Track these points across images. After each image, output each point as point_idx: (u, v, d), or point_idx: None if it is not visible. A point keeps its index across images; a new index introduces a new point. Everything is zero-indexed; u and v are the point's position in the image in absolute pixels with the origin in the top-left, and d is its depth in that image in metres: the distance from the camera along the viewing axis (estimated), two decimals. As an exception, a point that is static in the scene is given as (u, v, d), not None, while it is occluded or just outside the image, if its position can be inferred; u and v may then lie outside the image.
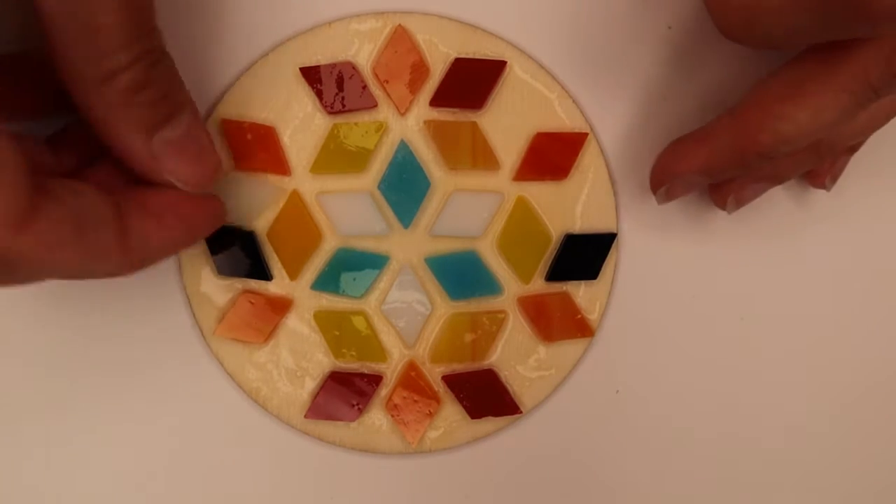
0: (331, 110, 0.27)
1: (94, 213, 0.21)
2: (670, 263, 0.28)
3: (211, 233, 0.25)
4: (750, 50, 0.27)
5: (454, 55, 0.27)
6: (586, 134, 0.27)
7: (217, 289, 0.27)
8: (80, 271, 0.21)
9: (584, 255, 0.28)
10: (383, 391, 0.28)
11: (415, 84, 0.27)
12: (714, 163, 0.24)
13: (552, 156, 0.27)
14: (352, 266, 0.27)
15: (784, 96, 0.22)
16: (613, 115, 0.28)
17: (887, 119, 0.25)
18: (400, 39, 0.27)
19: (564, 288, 0.28)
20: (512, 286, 0.28)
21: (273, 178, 0.27)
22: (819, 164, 0.26)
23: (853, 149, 0.27)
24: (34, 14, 0.20)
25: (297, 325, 0.27)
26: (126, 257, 0.22)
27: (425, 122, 0.27)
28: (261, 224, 0.27)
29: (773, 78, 0.23)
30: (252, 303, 0.27)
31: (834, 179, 0.28)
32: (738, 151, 0.23)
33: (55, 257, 0.20)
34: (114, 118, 0.21)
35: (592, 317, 0.28)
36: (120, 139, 0.22)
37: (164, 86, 0.22)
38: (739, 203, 0.27)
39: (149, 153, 0.22)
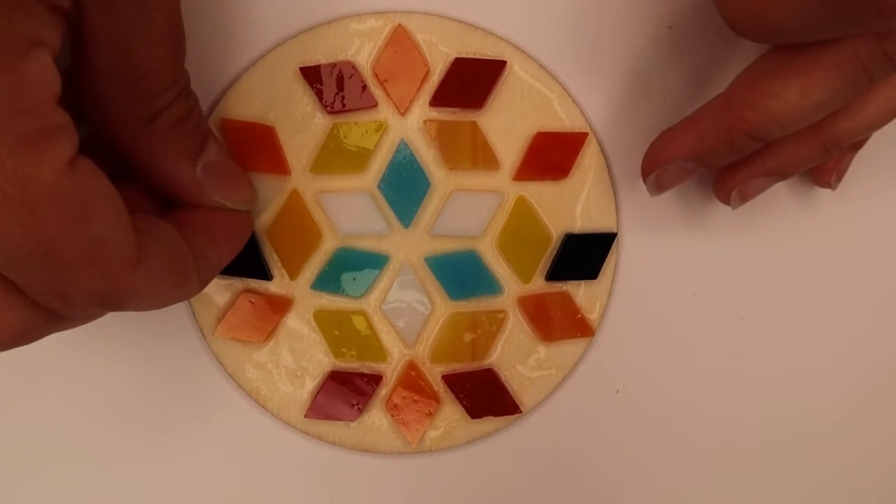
0: (331, 110, 0.27)
1: (176, 244, 0.22)
2: (670, 263, 0.28)
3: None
4: (751, 49, 0.27)
5: (454, 55, 0.27)
6: (586, 134, 0.27)
7: (217, 288, 0.27)
8: (170, 299, 0.22)
9: (584, 255, 0.28)
10: (383, 391, 0.28)
11: (415, 84, 0.27)
12: (703, 146, 0.24)
13: (552, 155, 0.27)
14: (352, 266, 0.27)
15: (772, 74, 0.22)
16: (613, 114, 0.28)
17: (894, 114, 0.24)
18: (400, 39, 0.27)
19: (564, 288, 0.28)
20: (512, 286, 0.28)
21: (273, 178, 0.27)
22: (825, 159, 0.25)
23: (858, 145, 0.27)
24: (74, 65, 0.20)
25: (297, 324, 0.27)
26: (200, 279, 0.23)
27: (425, 121, 0.27)
28: (261, 223, 0.27)
29: (764, 58, 0.23)
30: (252, 302, 0.27)
31: (839, 177, 0.27)
32: (725, 132, 0.23)
33: (156, 289, 0.21)
34: (161, 152, 0.22)
35: (592, 316, 0.28)
36: (168, 171, 0.23)
37: (197, 117, 0.23)
38: (744, 198, 0.26)
39: (196, 181, 0.23)
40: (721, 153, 0.24)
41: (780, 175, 0.26)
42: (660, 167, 0.25)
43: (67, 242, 0.18)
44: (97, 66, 0.20)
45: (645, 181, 0.26)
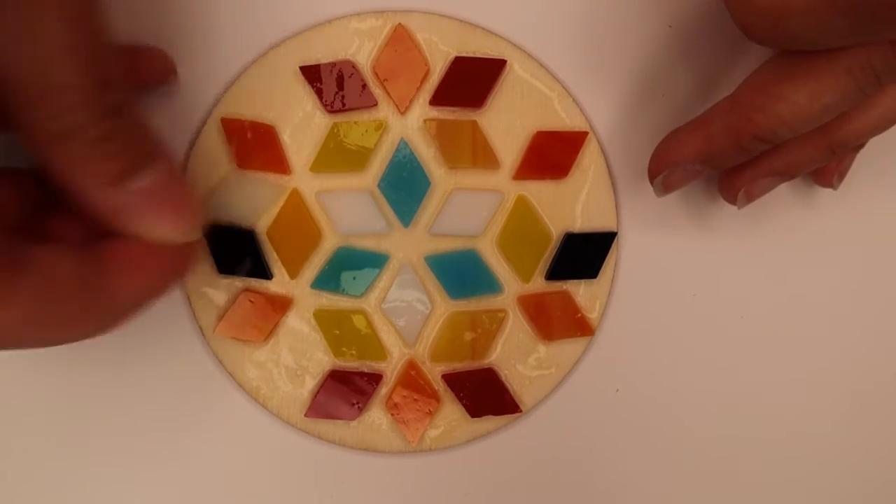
0: (331, 109, 0.27)
1: (65, 284, 0.20)
2: (670, 262, 0.28)
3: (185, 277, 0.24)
4: (752, 49, 0.27)
5: (454, 54, 0.27)
6: (586, 133, 0.27)
7: (217, 287, 0.27)
8: (53, 341, 0.21)
9: (584, 254, 0.28)
10: (383, 390, 0.28)
11: (415, 83, 0.27)
12: (711, 148, 0.24)
13: (552, 155, 0.27)
14: (352, 265, 0.27)
15: (782, 78, 0.22)
16: (613, 113, 0.28)
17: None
18: (400, 38, 0.27)
19: (564, 287, 0.28)
20: (512, 285, 0.28)
21: (273, 177, 0.27)
22: (831, 160, 0.25)
23: (859, 146, 0.27)
24: None
25: (298, 323, 0.27)
26: (102, 318, 0.21)
27: (425, 120, 0.27)
28: (261, 223, 0.27)
29: (773, 61, 0.23)
30: (252, 301, 0.27)
31: (841, 178, 0.27)
32: (734, 134, 0.23)
33: (29, 332, 0.20)
34: (75, 173, 0.21)
35: (592, 316, 0.28)
36: (83, 193, 0.21)
37: (127, 137, 0.21)
38: (750, 198, 0.26)
39: (113, 206, 0.21)
40: (729, 155, 0.24)
41: (786, 175, 0.26)
42: (667, 169, 0.25)
43: None
44: (2, 75, 0.19)
45: (652, 183, 0.26)
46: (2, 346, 0.20)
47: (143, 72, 0.25)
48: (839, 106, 0.22)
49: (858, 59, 0.21)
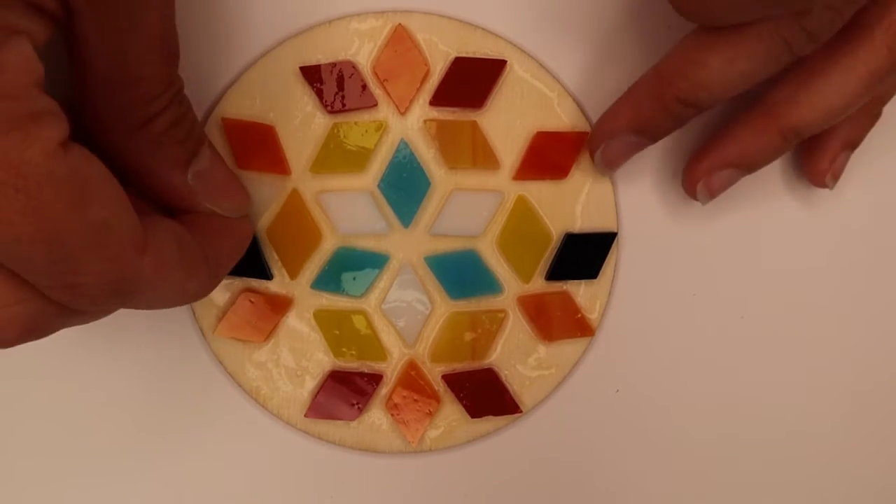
0: (331, 109, 0.27)
1: (183, 235, 0.22)
2: (670, 262, 0.28)
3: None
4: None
5: (454, 54, 0.27)
6: (586, 133, 0.27)
7: (217, 288, 0.27)
8: (181, 292, 0.22)
9: (584, 255, 0.28)
10: (383, 390, 0.28)
11: (415, 83, 0.27)
12: (640, 115, 0.25)
13: (552, 155, 0.27)
14: (352, 265, 0.27)
15: (701, 46, 0.23)
16: (613, 114, 0.27)
17: (846, 108, 0.25)
18: (400, 38, 0.27)
19: (564, 287, 0.28)
20: (512, 285, 0.28)
21: (273, 178, 0.27)
22: (788, 149, 0.26)
23: (853, 145, 0.27)
24: (69, 66, 0.20)
25: (297, 324, 0.27)
26: (210, 274, 0.23)
27: (425, 121, 0.27)
28: (261, 223, 0.27)
29: (695, 32, 0.24)
30: (252, 302, 0.27)
31: (835, 178, 0.28)
32: (658, 99, 0.24)
33: (167, 277, 0.21)
34: (153, 158, 0.22)
35: (592, 316, 0.28)
36: (160, 177, 0.22)
37: (188, 124, 0.22)
38: (710, 191, 0.27)
39: (188, 187, 0.23)
40: (658, 121, 0.25)
41: (743, 167, 0.26)
42: (604, 142, 0.26)
43: (68, 227, 0.18)
44: (90, 71, 0.20)
45: (592, 158, 0.27)
46: (144, 295, 0.20)
47: None
48: (756, 72, 0.23)
49: (769, 28, 0.22)
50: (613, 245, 0.28)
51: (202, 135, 0.24)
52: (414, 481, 0.28)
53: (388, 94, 0.27)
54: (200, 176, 0.23)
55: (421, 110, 0.27)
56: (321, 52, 0.27)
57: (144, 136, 0.21)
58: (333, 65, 0.27)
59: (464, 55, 0.27)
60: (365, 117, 0.27)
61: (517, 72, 0.27)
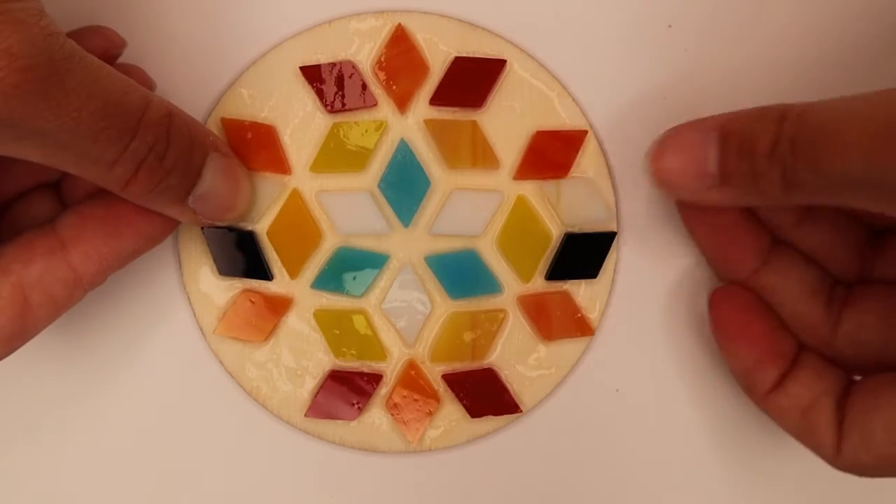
0: (331, 109, 0.27)
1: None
2: (670, 262, 0.28)
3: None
4: (751, 49, 0.28)
5: (454, 54, 0.27)
6: (586, 132, 0.27)
7: (217, 288, 0.27)
8: None
9: (584, 254, 0.28)
10: (383, 390, 0.28)
11: (414, 83, 0.27)
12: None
13: (552, 154, 0.27)
14: (352, 265, 0.27)
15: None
16: (613, 113, 0.28)
17: None
18: (400, 38, 0.27)
19: (564, 287, 0.28)
20: (512, 285, 0.28)
21: (273, 177, 0.27)
22: None
23: None
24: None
25: (298, 323, 0.27)
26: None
27: (425, 120, 0.27)
28: (261, 223, 0.27)
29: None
30: (252, 302, 0.27)
31: None
32: None
33: None
34: (149, 204, 0.23)
35: (592, 316, 0.28)
36: (163, 212, 0.24)
37: (173, 162, 0.22)
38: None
39: (188, 213, 0.24)
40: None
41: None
42: None
43: None
44: (49, 160, 0.21)
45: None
46: None
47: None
48: None
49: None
50: (613, 245, 0.28)
51: (204, 146, 0.23)
52: (414, 481, 0.28)
53: (388, 94, 0.27)
54: (202, 199, 0.23)
55: (421, 110, 0.27)
56: (321, 52, 0.27)
57: (132, 191, 0.22)
58: (333, 64, 0.27)
59: (463, 55, 0.27)
60: (365, 117, 0.27)
61: (517, 71, 0.27)
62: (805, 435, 0.24)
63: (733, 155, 0.21)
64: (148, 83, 0.26)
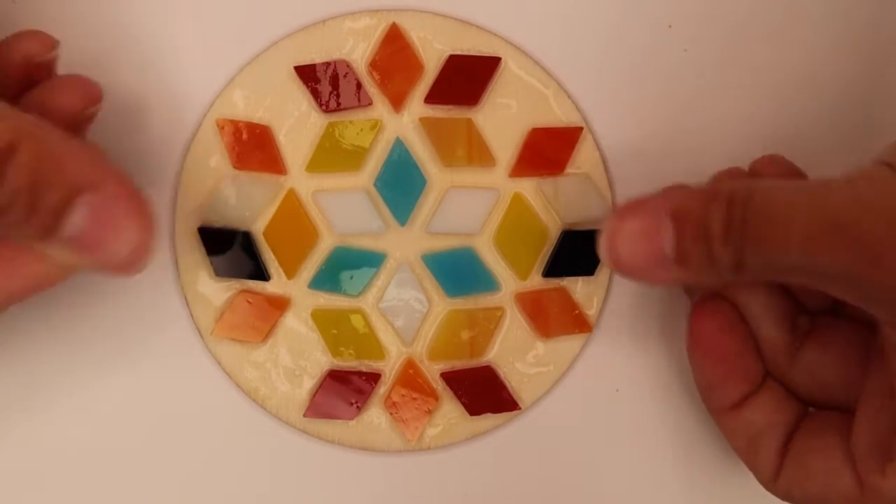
0: (326, 109, 0.27)
1: None
2: (667, 258, 0.28)
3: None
4: (748, 49, 0.28)
5: (448, 52, 0.27)
6: (581, 129, 0.27)
7: (214, 288, 0.27)
8: None
9: (581, 251, 0.28)
10: (382, 389, 0.28)
11: (409, 81, 0.27)
12: None
13: (548, 151, 0.27)
14: (349, 264, 0.27)
15: None
16: (609, 110, 0.28)
17: None
18: (394, 37, 0.27)
19: (562, 284, 0.28)
20: (509, 282, 0.28)
21: (269, 178, 0.27)
22: None
23: None
24: None
25: (295, 323, 0.27)
26: None
27: (420, 119, 0.27)
28: (257, 223, 0.27)
29: None
30: (250, 302, 0.27)
31: None
32: None
33: None
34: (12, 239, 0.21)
35: (590, 312, 0.28)
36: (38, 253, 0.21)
37: (22, 193, 0.19)
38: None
39: (73, 259, 0.21)
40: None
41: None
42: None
43: None
44: None
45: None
46: None
47: (57, 110, 0.23)
48: None
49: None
50: (610, 241, 0.28)
51: (59, 196, 0.20)
52: (413, 479, 0.28)
53: (383, 93, 0.27)
54: (71, 243, 0.20)
55: (416, 108, 0.27)
56: (316, 52, 0.27)
57: None
58: (328, 64, 0.27)
59: (458, 53, 0.27)
60: (360, 116, 0.27)
61: (512, 68, 0.27)
62: (747, 457, 0.25)
63: (688, 240, 0.22)
64: (93, 92, 0.24)
